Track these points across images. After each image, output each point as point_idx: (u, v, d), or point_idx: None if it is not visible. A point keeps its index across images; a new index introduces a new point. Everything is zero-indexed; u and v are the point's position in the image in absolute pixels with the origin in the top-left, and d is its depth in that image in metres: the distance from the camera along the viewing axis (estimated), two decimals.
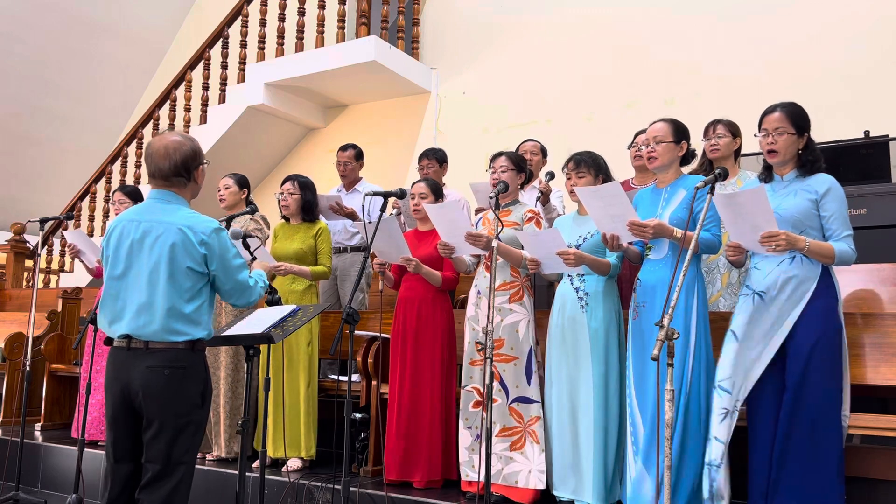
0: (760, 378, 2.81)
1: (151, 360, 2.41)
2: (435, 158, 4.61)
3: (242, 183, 4.37)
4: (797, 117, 2.83)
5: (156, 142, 2.55)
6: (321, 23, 7.16)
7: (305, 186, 4.23)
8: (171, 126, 7.74)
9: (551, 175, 4.16)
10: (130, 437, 2.48)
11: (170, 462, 2.40)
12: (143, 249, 2.45)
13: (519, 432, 3.31)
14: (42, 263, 8.04)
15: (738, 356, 2.80)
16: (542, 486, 3.27)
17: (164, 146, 2.52)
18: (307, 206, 4.22)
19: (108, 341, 2.51)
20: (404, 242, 3.55)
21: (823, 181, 2.78)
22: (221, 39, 7.69)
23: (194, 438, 2.48)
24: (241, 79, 7.48)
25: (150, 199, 2.56)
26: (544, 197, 4.02)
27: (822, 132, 3.45)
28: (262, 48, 7.47)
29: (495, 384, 3.32)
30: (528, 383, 3.34)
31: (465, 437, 3.45)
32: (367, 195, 3.33)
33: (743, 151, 3.81)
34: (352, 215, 4.71)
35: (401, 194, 3.39)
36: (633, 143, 4.05)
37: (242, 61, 7.55)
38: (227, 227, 3.80)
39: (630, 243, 3.15)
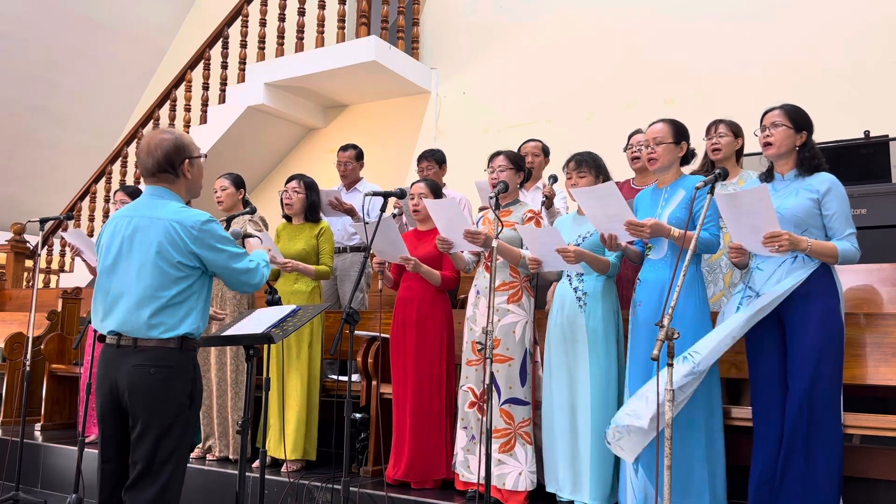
0: (763, 378, 2.81)
1: (138, 358, 2.38)
2: (434, 159, 4.61)
3: (238, 183, 4.35)
4: (795, 114, 2.85)
5: (143, 140, 2.55)
6: (321, 23, 7.16)
7: (310, 187, 4.23)
8: (171, 126, 7.74)
9: (554, 178, 4.15)
10: (119, 437, 2.45)
11: (154, 462, 2.36)
12: (133, 245, 2.44)
13: (509, 434, 3.31)
14: (42, 263, 8.04)
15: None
16: (533, 488, 3.28)
17: (147, 144, 2.52)
18: (312, 206, 4.22)
19: (101, 338, 2.48)
20: (402, 242, 3.55)
21: (824, 180, 2.78)
22: (221, 39, 7.70)
23: (181, 439, 2.42)
24: (241, 79, 7.49)
25: (144, 195, 2.56)
26: (548, 201, 4.01)
27: (822, 132, 3.44)
28: (262, 48, 7.47)
29: None
30: (522, 385, 3.33)
31: (460, 438, 3.45)
32: (367, 195, 3.34)
33: (745, 152, 3.81)
34: (350, 211, 4.72)
35: (401, 194, 3.39)
36: (628, 144, 4.05)
37: (242, 61, 7.55)
38: (227, 227, 3.81)
39: (630, 243, 3.15)
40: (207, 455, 4.20)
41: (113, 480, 2.46)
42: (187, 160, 2.53)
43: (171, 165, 2.50)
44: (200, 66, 7.84)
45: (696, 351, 2.73)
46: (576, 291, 3.24)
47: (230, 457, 4.13)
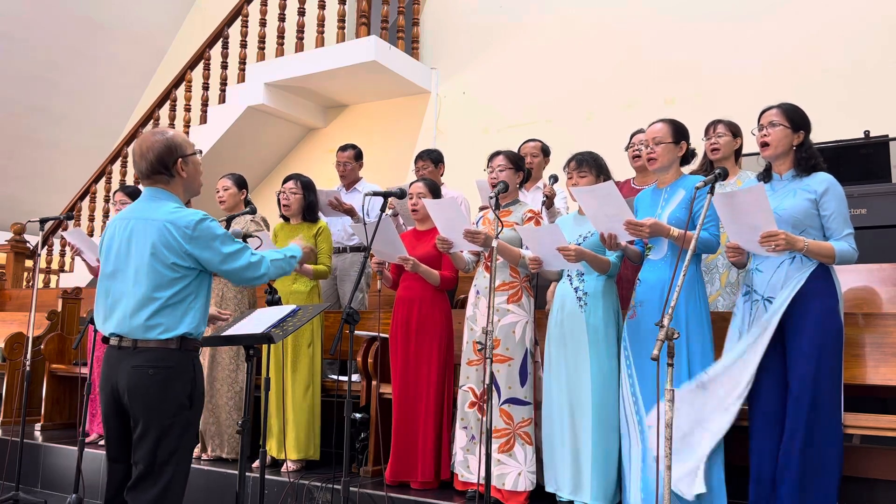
0: (762, 378, 2.81)
1: (138, 359, 2.39)
2: (430, 159, 4.61)
3: (241, 183, 4.36)
4: (793, 113, 2.84)
5: (135, 143, 2.57)
6: (321, 23, 7.17)
7: (307, 187, 4.23)
8: (172, 126, 7.74)
9: (555, 178, 4.15)
10: (122, 438, 2.47)
11: (154, 463, 2.37)
12: (131, 247, 2.45)
13: (508, 434, 3.30)
14: (42, 263, 8.04)
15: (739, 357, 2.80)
16: (532, 488, 3.28)
17: (139, 147, 2.53)
18: (310, 206, 4.23)
19: (105, 339, 2.51)
20: (401, 241, 3.55)
21: (822, 180, 2.78)
22: (221, 39, 7.70)
23: (181, 440, 2.43)
24: (241, 79, 7.49)
25: (142, 198, 2.57)
26: (549, 201, 4.01)
27: (822, 132, 3.45)
28: (262, 48, 7.47)
29: None
30: (522, 385, 3.33)
31: (460, 438, 3.45)
32: (366, 195, 3.34)
33: (744, 152, 3.81)
34: (350, 211, 4.72)
35: (400, 194, 3.39)
36: (629, 143, 4.05)
37: (242, 61, 7.55)
38: (227, 227, 3.80)
39: (631, 243, 3.14)
40: (202, 455, 4.19)
41: (118, 480, 2.49)
42: (180, 159, 2.53)
43: (165, 166, 2.50)
44: (200, 66, 7.84)
45: (709, 374, 2.78)
46: (576, 291, 3.24)
47: (223, 456, 4.13)
